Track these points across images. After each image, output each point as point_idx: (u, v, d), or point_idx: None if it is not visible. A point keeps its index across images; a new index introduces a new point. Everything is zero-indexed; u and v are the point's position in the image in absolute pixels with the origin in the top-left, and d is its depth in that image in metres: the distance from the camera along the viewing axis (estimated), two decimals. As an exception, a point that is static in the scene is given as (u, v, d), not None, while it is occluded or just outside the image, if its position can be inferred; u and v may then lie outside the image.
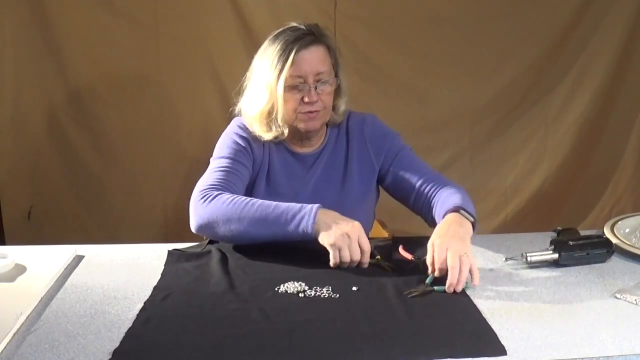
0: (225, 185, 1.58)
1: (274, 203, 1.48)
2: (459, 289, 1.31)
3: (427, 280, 1.34)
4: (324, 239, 1.42)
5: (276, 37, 1.63)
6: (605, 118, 2.92)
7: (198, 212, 1.52)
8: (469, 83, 2.84)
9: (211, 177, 1.60)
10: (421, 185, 1.66)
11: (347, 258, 1.41)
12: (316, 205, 1.45)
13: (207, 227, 1.51)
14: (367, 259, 1.43)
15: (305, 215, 1.43)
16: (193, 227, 1.53)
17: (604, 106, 2.89)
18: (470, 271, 1.32)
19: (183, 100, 2.73)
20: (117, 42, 2.64)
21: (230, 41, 2.66)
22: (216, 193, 1.53)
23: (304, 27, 1.63)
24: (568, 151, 2.93)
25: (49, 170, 2.75)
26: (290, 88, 1.60)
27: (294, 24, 1.65)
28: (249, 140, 1.70)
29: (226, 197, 1.51)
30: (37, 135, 2.71)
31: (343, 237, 1.40)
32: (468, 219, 1.47)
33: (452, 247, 1.34)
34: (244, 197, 1.51)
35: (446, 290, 1.31)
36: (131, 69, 2.68)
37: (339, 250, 1.40)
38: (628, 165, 2.98)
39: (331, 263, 1.42)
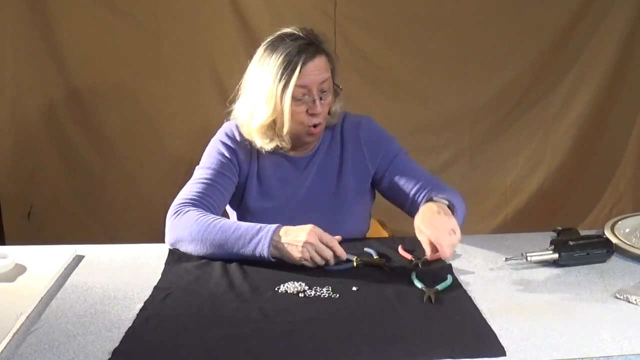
0: (201, 199, 1.58)
1: (235, 225, 1.47)
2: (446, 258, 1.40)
3: (413, 277, 1.35)
4: (291, 257, 1.41)
5: (274, 46, 1.58)
6: (605, 118, 2.92)
7: (169, 228, 1.54)
8: (469, 83, 2.84)
9: (190, 189, 1.61)
10: (416, 192, 1.65)
11: (321, 261, 1.41)
12: (273, 227, 1.43)
13: (176, 244, 1.53)
14: (339, 251, 1.42)
15: (262, 238, 1.42)
16: (167, 242, 1.55)
17: (604, 106, 2.90)
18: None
19: (183, 100, 2.73)
20: (117, 42, 2.64)
21: (230, 41, 2.67)
22: (186, 210, 1.53)
23: (303, 35, 1.59)
24: (568, 151, 2.94)
25: (49, 170, 2.75)
26: (295, 100, 1.57)
27: (290, 30, 1.60)
28: (235, 149, 1.68)
29: (194, 215, 1.51)
30: (37, 135, 2.72)
31: (305, 247, 1.39)
32: (443, 203, 1.50)
33: (441, 226, 1.39)
34: (210, 218, 1.50)
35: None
36: (131, 69, 2.69)
37: (311, 259, 1.40)
38: (628, 165, 2.99)
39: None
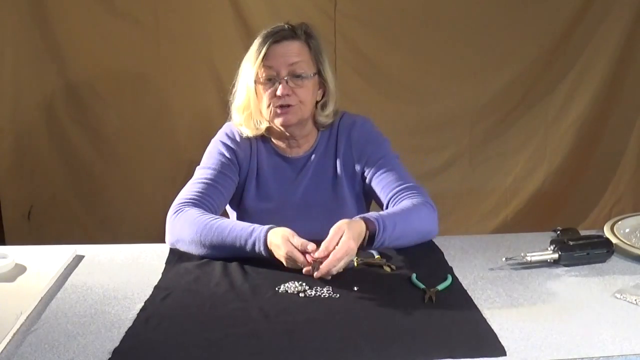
0: (202, 199, 1.59)
1: (230, 225, 1.46)
2: (324, 273, 1.34)
3: (413, 277, 1.36)
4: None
5: (259, 35, 1.66)
6: (605, 118, 2.92)
7: (169, 228, 1.54)
8: (469, 83, 2.84)
9: (190, 189, 1.61)
10: (390, 199, 1.63)
11: (305, 268, 1.37)
12: (265, 229, 1.42)
13: (177, 244, 1.53)
14: (317, 252, 1.36)
15: (256, 240, 1.42)
16: (167, 242, 1.55)
17: (604, 106, 2.89)
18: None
19: (183, 100, 2.73)
20: (117, 41, 2.64)
21: (230, 41, 2.67)
22: (187, 209, 1.54)
23: (286, 27, 1.64)
24: (568, 151, 2.94)
25: (49, 170, 2.75)
26: (263, 82, 1.61)
27: (280, 23, 1.66)
28: (235, 149, 1.70)
29: (193, 215, 1.51)
30: (37, 135, 2.72)
31: (287, 261, 1.38)
32: (361, 225, 1.43)
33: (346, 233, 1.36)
34: (207, 217, 1.50)
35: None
36: (131, 69, 2.69)
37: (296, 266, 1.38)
38: (628, 165, 2.99)
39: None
